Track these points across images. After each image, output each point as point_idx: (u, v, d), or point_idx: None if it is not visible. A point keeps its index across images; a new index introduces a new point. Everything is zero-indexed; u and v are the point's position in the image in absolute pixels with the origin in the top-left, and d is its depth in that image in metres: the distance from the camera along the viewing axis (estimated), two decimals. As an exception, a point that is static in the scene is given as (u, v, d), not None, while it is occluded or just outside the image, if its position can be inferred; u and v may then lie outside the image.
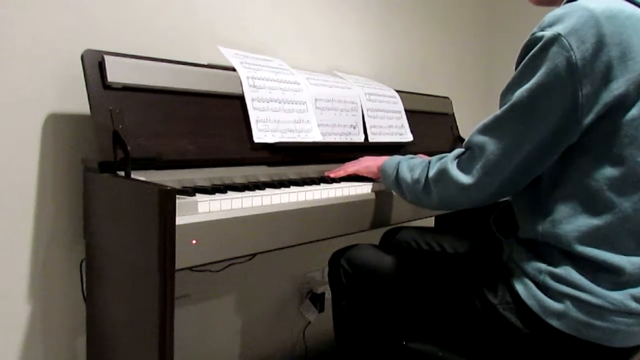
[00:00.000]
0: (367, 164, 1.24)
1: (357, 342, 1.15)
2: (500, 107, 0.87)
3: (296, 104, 1.32)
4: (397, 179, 1.06)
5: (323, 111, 1.40)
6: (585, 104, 0.79)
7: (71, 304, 1.19)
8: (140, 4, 1.26)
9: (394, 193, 1.20)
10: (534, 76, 0.81)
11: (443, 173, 0.93)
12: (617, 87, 0.79)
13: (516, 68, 0.87)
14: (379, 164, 1.17)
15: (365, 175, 1.24)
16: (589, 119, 0.80)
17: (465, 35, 2.46)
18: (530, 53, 0.83)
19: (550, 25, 0.81)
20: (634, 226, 0.83)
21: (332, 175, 1.26)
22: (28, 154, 1.10)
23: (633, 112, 0.80)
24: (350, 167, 1.26)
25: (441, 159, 0.96)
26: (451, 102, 2.03)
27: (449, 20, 2.34)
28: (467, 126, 2.03)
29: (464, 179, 0.89)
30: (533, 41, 0.83)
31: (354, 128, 1.49)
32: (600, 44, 0.78)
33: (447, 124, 1.97)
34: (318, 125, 1.36)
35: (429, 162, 0.98)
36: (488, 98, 2.55)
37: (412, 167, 1.03)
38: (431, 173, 0.96)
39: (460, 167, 0.91)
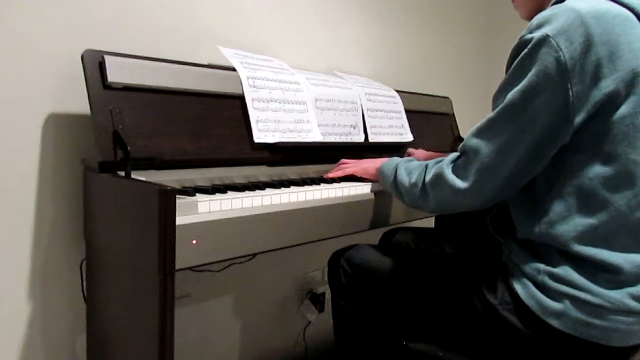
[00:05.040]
0: (365, 165, 1.24)
1: (357, 342, 1.15)
2: (492, 110, 0.88)
3: (296, 104, 1.32)
4: (395, 182, 1.06)
5: (323, 111, 1.40)
6: (576, 103, 0.80)
7: (71, 304, 1.19)
8: (140, 4, 1.26)
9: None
10: (524, 78, 0.83)
11: (439, 177, 0.93)
12: (607, 85, 0.80)
13: (506, 71, 0.88)
14: (377, 165, 1.17)
15: (362, 177, 1.24)
16: (580, 118, 0.81)
17: (465, 35, 2.46)
18: (520, 55, 0.84)
19: (538, 27, 0.82)
20: (630, 223, 0.83)
21: (330, 175, 1.27)
22: (28, 154, 1.10)
23: (623, 110, 0.81)
24: (348, 168, 1.26)
25: (438, 162, 0.96)
26: (451, 102, 2.03)
27: (449, 20, 2.34)
28: (467, 126, 2.02)
29: (460, 183, 0.89)
30: (522, 43, 0.84)
31: (354, 128, 1.49)
32: (588, 44, 0.79)
33: (447, 124, 1.97)
34: (318, 125, 1.36)
35: (426, 166, 0.99)
36: (488, 98, 2.53)
37: (409, 170, 1.03)
38: (428, 177, 0.96)
39: (455, 171, 0.91)
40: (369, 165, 1.23)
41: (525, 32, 0.85)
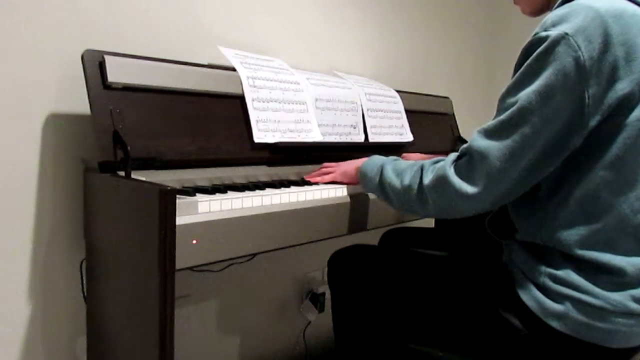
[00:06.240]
0: (344, 168, 1.17)
1: (357, 342, 1.15)
2: (498, 111, 0.84)
3: (296, 104, 1.32)
4: (382, 183, 0.99)
5: (323, 111, 1.40)
6: (592, 105, 0.77)
7: (71, 304, 1.19)
8: (141, 4, 1.26)
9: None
10: (539, 78, 0.79)
11: (442, 180, 0.87)
12: (622, 87, 0.78)
13: (516, 70, 0.84)
14: (357, 165, 1.10)
15: (343, 182, 1.16)
16: (594, 121, 0.79)
17: (465, 35, 2.46)
18: (535, 54, 0.80)
19: (555, 24, 0.79)
20: (632, 226, 0.82)
21: (309, 179, 1.22)
22: (28, 154, 1.10)
23: (636, 114, 0.80)
24: (327, 176, 1.20)
25: (435, 163, 0.92)
26: (451, 102, 2.02)
27: (449, 20, 2.33)
28: (467, 126, 2.03)
29: (468, 188, 0.84)
30: (537, 41, 0.80)
31: (354, 128, 1.49)
32: (606, 44, 0.77)
33: (447, 124, 1.97)
34: (318, 125, 1.36)
35: (422, 167, 0.93)
36: (488, 98, 2.54)
37: (399, 171, 0.97)
38: (427, 180, 0.90)
39: (460, 174, 0.86)
40: (348, 167, 1.16)
41: (540, 29, 0.80)
